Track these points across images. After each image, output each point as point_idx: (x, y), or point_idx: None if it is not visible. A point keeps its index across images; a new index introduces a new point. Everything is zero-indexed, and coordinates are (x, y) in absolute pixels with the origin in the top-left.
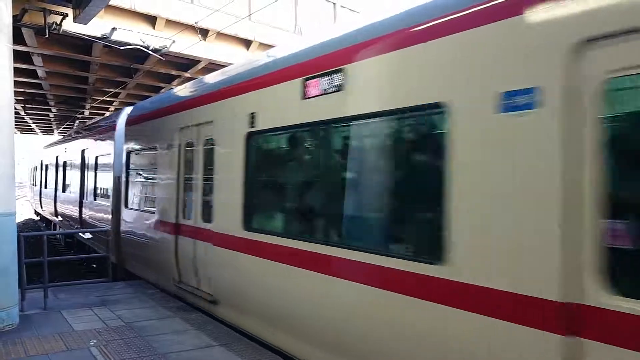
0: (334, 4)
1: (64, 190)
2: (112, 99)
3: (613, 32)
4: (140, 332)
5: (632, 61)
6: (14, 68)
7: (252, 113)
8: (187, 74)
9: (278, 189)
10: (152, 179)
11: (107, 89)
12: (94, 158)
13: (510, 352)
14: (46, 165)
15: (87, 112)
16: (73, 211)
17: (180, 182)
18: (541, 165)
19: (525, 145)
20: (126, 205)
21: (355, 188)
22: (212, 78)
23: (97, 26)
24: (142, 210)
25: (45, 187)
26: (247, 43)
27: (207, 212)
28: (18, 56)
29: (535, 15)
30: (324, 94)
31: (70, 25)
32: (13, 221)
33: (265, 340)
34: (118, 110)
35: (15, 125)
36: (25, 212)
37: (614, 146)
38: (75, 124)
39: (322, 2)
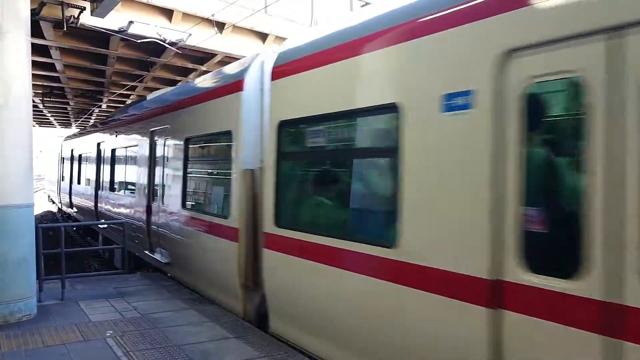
0: None
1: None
2: (129, 92)
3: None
4: (155, 323)
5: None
6: (32, 61)
7: None
8: (203, 67)
9: None
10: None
11: (124, 82)
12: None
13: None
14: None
15: (104, 105)
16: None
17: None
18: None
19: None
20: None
21: None
22: None
23: (114, 19)
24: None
25: (108, 188)
26: (263, 36)
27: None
28: (36, 49)
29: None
30: None
31: (87, 19)
32: (31, 212)
33: None
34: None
35: (34, 118)
36: (43, 204)
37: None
38: (93, 117)
39: None
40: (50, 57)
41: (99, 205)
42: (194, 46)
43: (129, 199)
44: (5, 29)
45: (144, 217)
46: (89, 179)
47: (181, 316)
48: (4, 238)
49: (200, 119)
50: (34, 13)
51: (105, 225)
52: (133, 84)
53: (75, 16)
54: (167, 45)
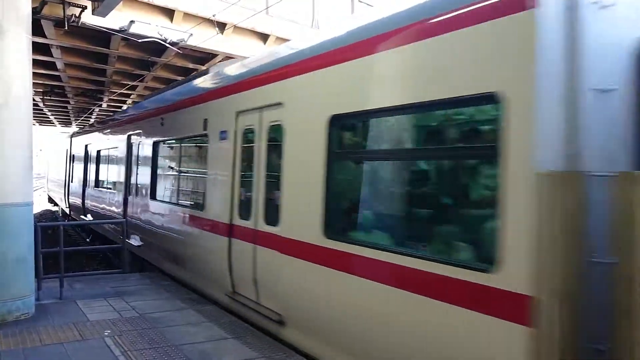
0: None
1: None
2: (129, 92)
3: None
4: (154, 323)
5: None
6: (33, 60)
7: None
8: (204, 67)
9: None
10: None
11: (124, 82)
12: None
13: None
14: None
15: (104, 105)
16: None
17: None
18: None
19: None
20: None
21: None
22: None
23: (115, 19)
24: None
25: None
26: (264, 37)
27: None
28: (37, 48)
29: None
30: None
31: (89, 18)
32: (30, 211)
33: None
34: None
35: (34, 116)
36: (42, 202)
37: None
38: (93, 117)
39: None
40: (51, 55)
41: (129, 213)
42: (194, 46)
43: (184, 211)
44: (5, 28)
45: (224, 241)
46: (113, 182)
47: (180, 316)
48: (3, 237)
49: (380, 81)
50: (35, 12)
51: (140, 244)
52: (133, 83)
53: (77, 15)
54: (168, 45)
